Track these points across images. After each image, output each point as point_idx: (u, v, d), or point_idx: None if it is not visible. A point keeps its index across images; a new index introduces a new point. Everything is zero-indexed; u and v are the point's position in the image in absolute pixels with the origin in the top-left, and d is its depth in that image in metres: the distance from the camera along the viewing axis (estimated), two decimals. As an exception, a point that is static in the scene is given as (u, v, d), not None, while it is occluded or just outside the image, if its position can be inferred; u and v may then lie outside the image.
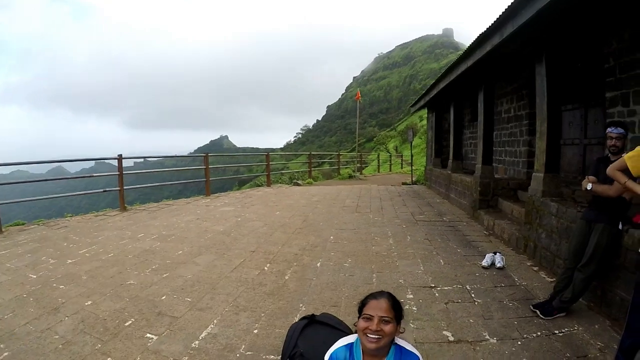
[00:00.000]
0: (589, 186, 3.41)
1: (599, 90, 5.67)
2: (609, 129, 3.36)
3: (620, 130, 3.30)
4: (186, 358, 2.82)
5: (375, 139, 54.95)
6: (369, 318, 1.73)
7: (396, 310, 1.79)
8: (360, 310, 1.81)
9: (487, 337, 3.11)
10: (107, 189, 9.80)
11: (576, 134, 6.64)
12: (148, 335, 3.13)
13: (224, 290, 4.10)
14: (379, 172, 25.53)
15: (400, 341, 1.83)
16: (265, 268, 4.81)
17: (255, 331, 3.23)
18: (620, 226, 3.34)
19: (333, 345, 1.88)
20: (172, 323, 3.34)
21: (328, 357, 1.85)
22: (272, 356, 2.86)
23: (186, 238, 6.21)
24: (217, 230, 6.80)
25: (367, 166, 29.69)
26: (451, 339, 3.09)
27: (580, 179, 6.25)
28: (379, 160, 28.35)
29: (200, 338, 3.10)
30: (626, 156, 2.47)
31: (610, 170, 2.70)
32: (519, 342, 3.03)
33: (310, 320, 2.80)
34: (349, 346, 1.84)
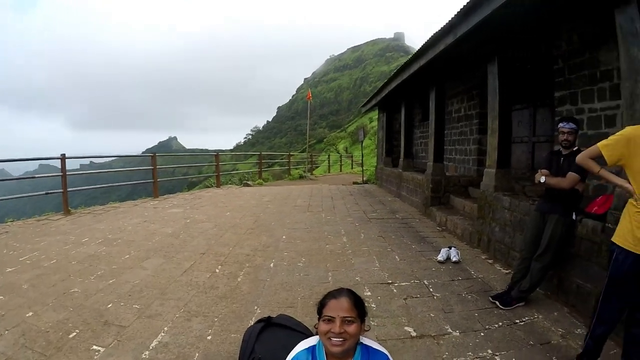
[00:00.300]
0: (543, 179, 3.45)
1: (548, 90, 5.91)
2: (561, 124, 3.42)
3: (572, 125, 3.37)
4: (136, 372, 2.54)
5: (325, 139, 55.22)
6: (330, 320, 1.56)
7: (358, 307, 1.63)
8: (319, 312, 1.64)
9: (450, 330, 3.05)
10: (50, 192, 8.94)
11: (525, 132, 6.89)
12: (94, 347, 2.81)
13: (174, 295, 3.79)
14: (329, 172, 25.59)
15: (365, 340, 1.68)
16: (217, 270, 4.52)
17: (209, 337, 2.97)
18: (573, 216, 3.42)
19: (293, 350, 1.68)
20: (120, 333, 3.02)
21: None
22: (229, 364, 2.63)
23: (133, 241, 5.77)
24: (166, 232, 6.38)
25: (317, 167, 29.69)
26: (413, 334, 2.99)
27: (529, 175, 6.48)
28: (329, 161, 28.42)
29: (151, 348, 2.80)
30: (600, 144, 2.38)
31: (583, 158, 2.57)
32: (482, 334, 2.99)
33: (267, 323, 2.59)
34: (311, 349, 1.66)
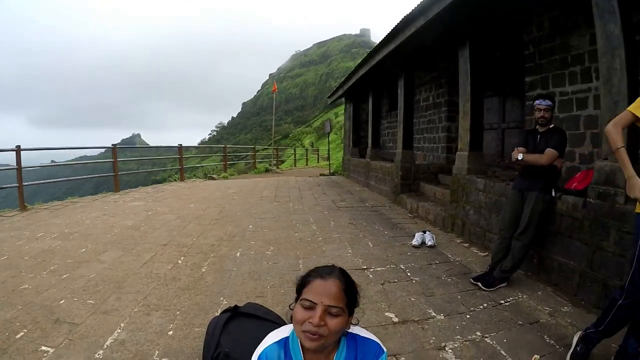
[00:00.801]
0: (520, 156, 3.36)
1: (517, 78, 5.92)
2: (537, 102, 3.36)
3: (549, 102, 3.31)
4: (88, 374, 2.20)
5: (291, 135, 54.81)
6: (310, 306, 1.19)
7: (349, 296, 1.25)
8: (299, 291, 1.27)
9: (434, 314, 2.86)
10: (4, 186, 8.12)
11: (494, 119, 6.87)
12: (43, 347, 2.44)
13: (132, 288, 3.42)
14: (295, 166, 25.31)
15: (353, 327, 1.35)
16: (179, 261, 4.16)
17: (171, 332, 2.64)
18: (553, 193, 3.35)
19: (261, 344, 1.33)
20: (72, 331, 2.65)
21: (256, 359, 1.31)
22: (193, 361, 2.31)
23: (90, 235, 5.30)
24: (126, 225, 5.92)
25: (283, 162, 29.32)
26: (395, 320, 2.77)
27: (499, 161, 6.46)
28: (295, 155, 28.15)
29: (106, 346, 2.45)
30: (631, 107, 2.12)
31: (615, 126, 2.18)
32: (468, 316, 2.82)
33: (234, 313, 2.28)
34: (283, 342, 1.31)
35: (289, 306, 1.30)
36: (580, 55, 4.61)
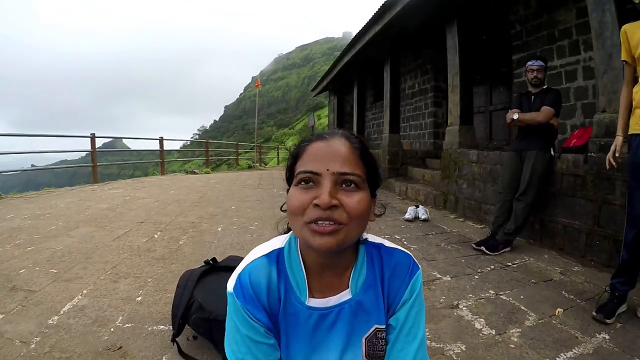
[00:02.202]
0: (515, 116, 3.24)
1: (503, 60, 5.90)
2: (529, 62, 3.30)
3: (541, 62, 3.26)
4: (38, 339, 1.87)
5: (273, 137, 54.47)
6: (312, 179, 0.72)
7: (366, 161, 0.77)
8: (290, 172, 0.79)
9: (439, 276, 2.65)
10: None
11: (481, 102, 6.73)
12: None
13: (101, 258, 3.10)
14: (279, 164, 25.10)
15: (372, 236, 0.89)
16: (155, 236, 3.84)
17: (139, 298, 2.34)
18: (552, 152, 3.23)
19: (246, 258, 0.85)
20: (27, 298, 2.35)
21: (234, 282, 0.81)
22: (162, 326, 2.00)
23: (63, 215, 4.93)
24: (101, 207, 5.54)
25: (267, 164, 29.12)
26: (398, 282, 2.53)
27: (487, 144, 6.32)
28: (278, 155, 28.00)
29: (62, 312, 2.14)
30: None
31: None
32: (476, 277, 2.62)
33: (212, 267, 1.99)
34: (274, 256, 0.84)
35: (281, 208, 0.82)
36: (567, 29, 4.61)
